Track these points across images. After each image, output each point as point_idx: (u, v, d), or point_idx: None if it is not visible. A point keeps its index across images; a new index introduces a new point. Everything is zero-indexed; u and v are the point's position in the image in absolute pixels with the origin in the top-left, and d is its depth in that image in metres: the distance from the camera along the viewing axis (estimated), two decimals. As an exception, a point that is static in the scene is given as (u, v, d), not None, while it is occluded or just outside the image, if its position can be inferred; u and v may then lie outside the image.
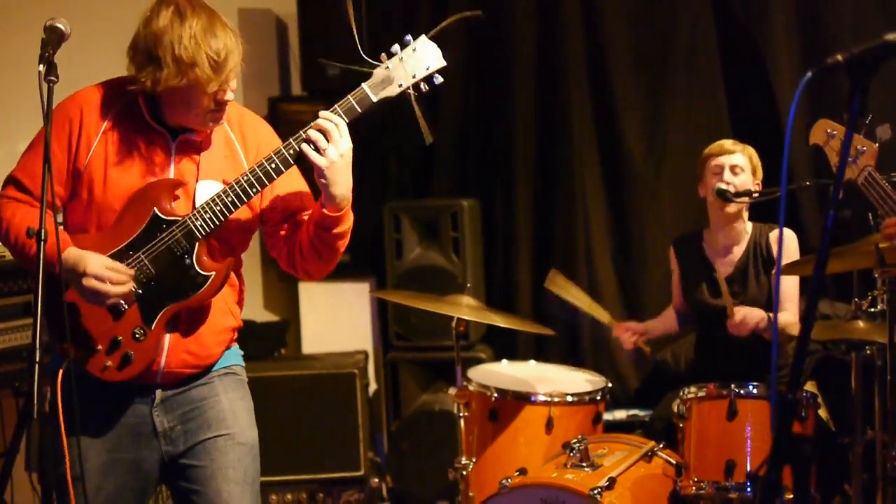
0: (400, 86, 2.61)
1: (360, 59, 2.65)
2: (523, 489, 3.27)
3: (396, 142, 5.25)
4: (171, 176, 2.61)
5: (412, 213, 4.99)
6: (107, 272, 2.50)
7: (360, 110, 2.60)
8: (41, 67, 2.44)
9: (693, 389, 3.47)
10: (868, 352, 3.56)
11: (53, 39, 2.52)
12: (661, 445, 3.57)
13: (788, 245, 3.90)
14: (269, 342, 5.06)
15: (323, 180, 2.56)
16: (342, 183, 2.57)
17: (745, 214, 3.96)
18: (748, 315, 3.71)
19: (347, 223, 2.65)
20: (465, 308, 3.72)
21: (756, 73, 4.78)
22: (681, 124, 4.94)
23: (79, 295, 2.53)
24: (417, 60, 2.62)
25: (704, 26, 4.88)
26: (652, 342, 4.27)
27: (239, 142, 2.71)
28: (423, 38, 2.64)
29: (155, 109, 2.60)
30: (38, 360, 2.28)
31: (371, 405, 5.01)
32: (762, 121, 4.75)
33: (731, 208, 3.88)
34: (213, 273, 2.59)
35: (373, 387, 5.16)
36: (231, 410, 2.72)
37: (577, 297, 4.18)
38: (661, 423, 3.94)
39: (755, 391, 3.37)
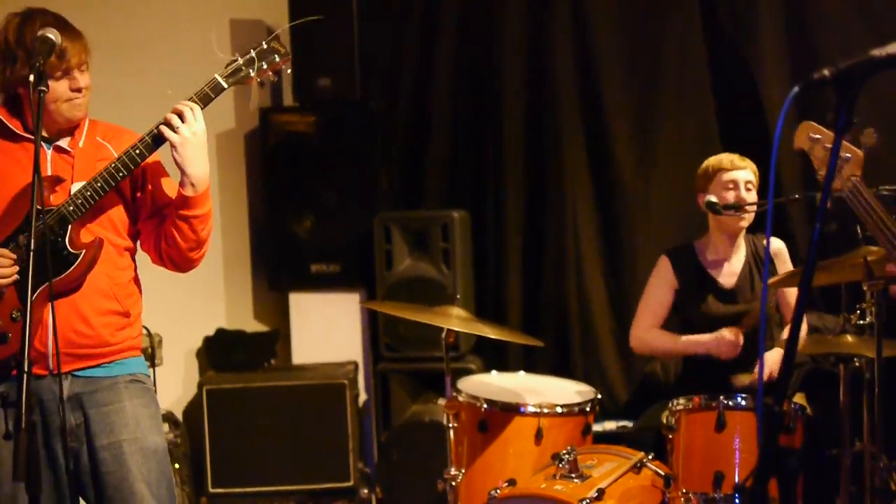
0: (249, 75, 2.92)
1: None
2: (512, 500, 3.26)
3: (387, 153, 5.26)
4: (49, 172, 2.83)
5: (403, 224, 5.00)
6: None
7: (213, 95, 2.88)
8: (31, 77, 2.49)
9: (682, 401, 3.48)
10: (856, 364, 3.57)
11: (44, 49, 2.56)
12: (651, 457, 3.57)
13: (784, 255, 3.92)
14: (259, 352, 5.06)
15: (178, 157, 2.81)
16: (196, 162, 2.82)
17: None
18: (773, 366, 3.74)
19: (205, 207, 2.88)
20: (455, 319, 3.72)
21: (745, 85, 4.81)
22: (670, 136, 4.96)
23: None
24: (266, 55, 2.94)
25: (694, 39, 4.91)
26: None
27: (112, 146, 2.92)
28: (272, 37, 2.98)
29: (21, 120, 2.85)
30: (26, 370, 2.30)
31: (361, 416, 5.01)
32: (751, 133, 4.77)
33: (744, 222, 3.88)
34: (83, 251, 2.79)
35: (363, 397, 5.16)
36: (134, 416, 2.86)
37: None
38: (647, 434, 3.95)
39: (743, 403, 3.38)
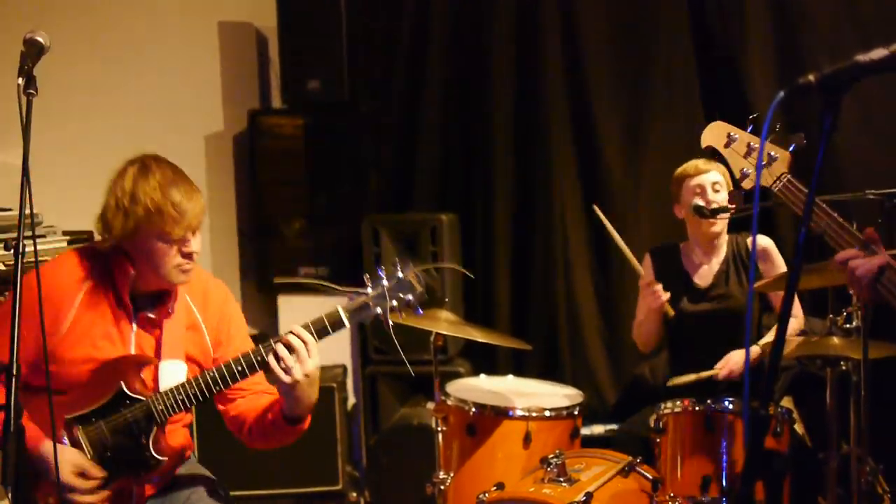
0: (376, 315, 2.67)
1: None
2: (500, 504, 3.27)
3: (376, 156, 5.27)
4: (132, 349, 2.70)
5: (391, 227, 5.00)
6: (77, 481, 2.58)
7: (331, 332, 2.67)
8: (20, 80, 2.45)
9: (670, 404, 3.49)
10: (843, 367, 3.59)
11: (33, 52, 2.53)
12: (639, 460, 3.58)
13: (774, 255, 3.94)
14: (247, 355, 5.05)
15: (286, 396, 2.64)
16: (305, 400, 2.66)
17: (725, 228, 4.00)
18: (732, 361, 3.74)
19: (307, 424, 2.77)
20: (444, 322, 3.73)
21: (733, 89, 4.83)
22: (659, 141, 4.98)
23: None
24: (399, 290, 2.67)
25: (683, 44, 4.93)
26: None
27: (200, 312, 2.81)
28: (409, 267, 2.69)
29: (115, 287, 2.70)
30: (15, 373, 2.28)
31: (349, 419, 5.01)
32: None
33: (717, 227, 3.91)
34: (166, 458, 2.69)
35: (351, 401, 5.16)
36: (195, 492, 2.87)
37: (612, 233, 4.18)
38: (630, 440, 3.96)
39: (731, 406, 3.39)
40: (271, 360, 2.59)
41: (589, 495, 3.20)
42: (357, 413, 5.18)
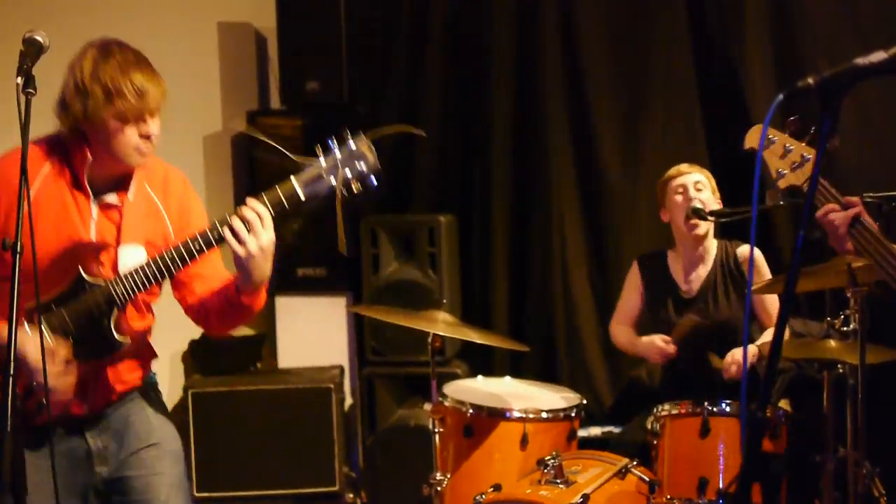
0: (331, 186, 2.60)
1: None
2: (497, 505, 3.27)
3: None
4: (93, 234, 2.70)
5: (389, 228, 5.00)
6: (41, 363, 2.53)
7: (286, 206, 2.61)
8: (19, 80, 2.46)
9: (667, 407, 3.49)
10: (840, 370, 3.59)
11: (32, 52, 2.53)
12: (635, 462, 3.58)
13: (759, 264, 3.94)
14: (244, 356, 5.06)
15: (241, 269, 2.62)
16: (259, 272, 2.63)
17: (712, 233, 4.00)
18: (736, 357, 3.73)
19: (260, 301, 2.74)
20: (441, 324, 3.72)
21: (731, 94, 4.83)
22: (657, 142, 4.98)
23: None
24: (352, 160, 2.60)
25: (680, 45, 4.93)
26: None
27: (160, 200, 2.80)
28: (361, 136, 2.63)
29: (73, 169, 2.70)
30: (12, 373, 2.29)
31: (346, 420, 5.01)
32: (737, 141, 4.76)
33: (702, 229, 3.92)
34: (128, 339, 2.70)
35: (348, 402, 5.16)
36: (157, 421, 2.86)
37: None
38: (632, 440, 3.96)
39: (728, 409, 3.40)
40: (227, 233, 2.59)
41: (586, 497, 3.20)
42: (354, 414, 5.18)
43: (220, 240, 2.62)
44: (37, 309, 2.47)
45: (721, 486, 3.30)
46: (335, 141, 2.61)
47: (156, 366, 4.65)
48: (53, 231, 2.68)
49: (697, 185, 3.92)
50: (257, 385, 4.85)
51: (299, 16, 5.05)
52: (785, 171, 2.56)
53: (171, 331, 4.98)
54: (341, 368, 5.05)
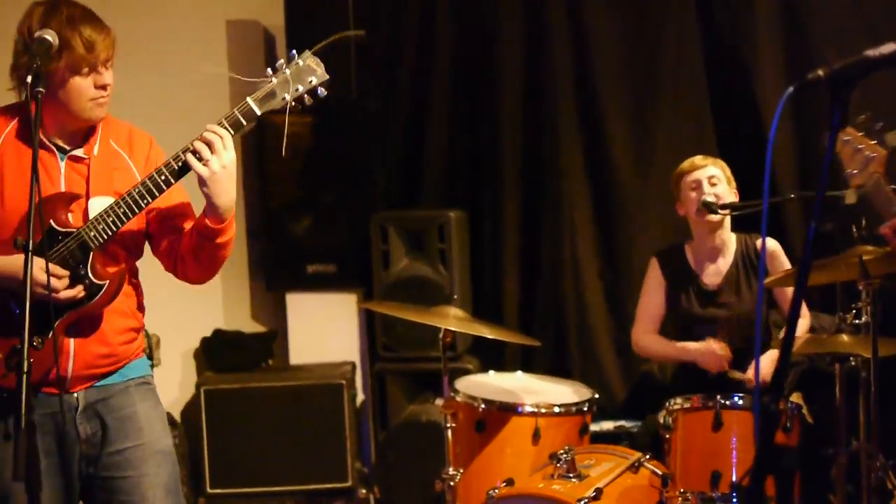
0: (283, 98, 2.71)
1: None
2: (510, 500, 3.27)
3: (383, 153, 5.27)
4: (62, 188, 2.70)
5: (399, 225, 5.00)
6: (44, 276, 2.56)
7: (244, 123, 2.70)
8: (30, 78, 2.47)
9: (679, 400, 3.49)
10: (852, 364, 3.58)
11: (41, 51, 2.55)
12: (648, 456, 3.58)
13: (781, 257, 3.93)
14: (256, 353, 5.07)
15: (205, 189, 2.65)
16: (224, 194, 2.67)
17: (728, 225, 3.99)
18: (764, 365, 3.63)
19: (229, 234, 2.75)
20: (453, 319, 3.73)
21: (741, 87, 4.82)
22: (667, 137, 4.97)
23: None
24: (301, 74, 2.73)
25: (690, 40, 4.92)
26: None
27: (126, 153, 2.81)
28: (306, 52, 2.75)
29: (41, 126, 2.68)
30: (25, 370, 2.30)
31: (358, 416, 5.02)
32: (747, 134, 4.78)
33: (716, 219, 3.91)
34: (107, 281, 2.68)
35: (360, 398, 5.16)
36: (147, 420, 2.83)
37: None
38: (647, 440, 3.97)
39: (741, 402, 3.39)
40: (189, 157, 2.64)
41: (599, 491, 3.20)
42: (366, 410, 5.19)
43: (184, 167, 2.66)
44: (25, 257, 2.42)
45: (734, 479, 3.29)
46: (284, 61, 2.72)
47: (168, 364, 4.71)
48: (20, 189, 2.65)
49: (712, 180, 3.91)
50: (269, 382, 4.86)
51: (307, 13, 5.06)
52: (854, 172, 2.57)
53: (184, 329, 5.06)
54: (353, 365, 5.06)
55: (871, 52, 1.86)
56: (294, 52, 2.74)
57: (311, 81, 2.74)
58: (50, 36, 2.58)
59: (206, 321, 5.16)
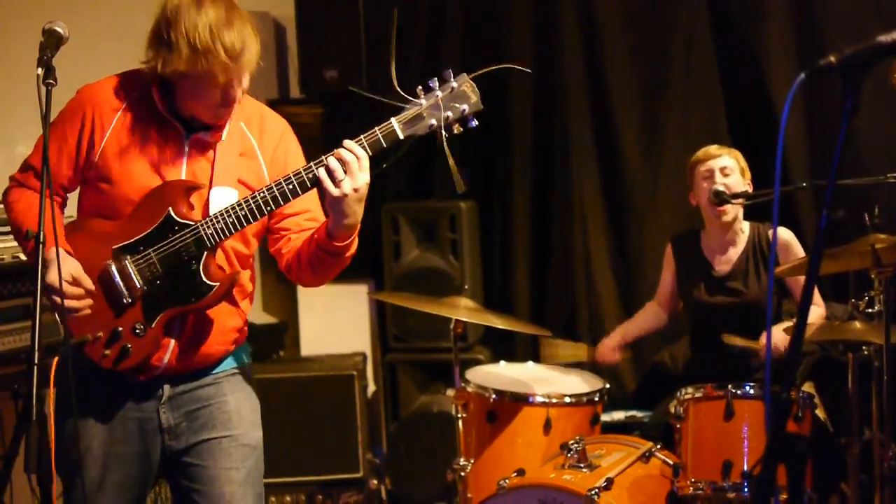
0: (430, 126, 2.53)
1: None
2: (521, 490, 3.27)
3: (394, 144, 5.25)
4: (184, 173, 2.60)
5: (410, 215, 5.00)
6: (66, 286, 2.47)
7: (384, 145, 2.54)
8: (40, 70, 2.45)
9: (690, 390, 3.48)
10: (865, 352, 3.57)
11: (52, 42, 2.53)
12: (659, 446, 3.58)
13: (793, 245, 3.92)
14: (267, 344, 5.07)
15: (333, 210, 2.53)
16: (352, 216, 2.53)
17: (741, 215, 3.98)
18: (777, 339, 3.62)
19: (351, 249, 2.62)
20: (464, 310, 3.73)
21: (752, 75, 4.80)
22: (678, 127, 4.95)
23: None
24: (454, 100, 2.53)
25: (701, 29, 4.90)
26: (633, 345, 4.34)
27: (256, 140, 2.70)
28: (463, 76, 2.54)
29: (169, 100, 2.59)
30: (36, 362, 2.30)
31: (369, 407, 5.02)
32: (758, 123, 4.77)
33: (728, 212, 3.90)
34: (217, 284, 2.58)
35: (371, 388, 5.17)
36: (237, 411, 2.73)
37: (565, 355, 4.25)
38: (657, 430, 3.96)
39: (752, 391, 3.38)
40: (322, 173, 2.49)
41: (610, 481, 3.20)
42: (377, 401, 5.20)
43: (315, 180, 2.51)
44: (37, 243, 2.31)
45: (745, 468, 3.29)
46: (437, 81, 2.53)
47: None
48: (139, 165, 2.58)
49: (724, 171, 3.90)
50: (280, 373, 4.87)
51: (318, 4, 5.05)
52: None
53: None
54: (364, 355, 5.07)
55: (883, 38, 1.85)
56: (450, 72, 2.54)
57: (463, 110, 2.53)
58: (60, 28, 2.56)
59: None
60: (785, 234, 3.96)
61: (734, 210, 3.91)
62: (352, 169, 2.50)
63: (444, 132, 2.52)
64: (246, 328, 2.82)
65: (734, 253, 3.98)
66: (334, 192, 2.49)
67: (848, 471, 3.56)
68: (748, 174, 3.97)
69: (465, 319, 3.71)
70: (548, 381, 3.91)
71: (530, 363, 4.22)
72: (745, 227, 4.01)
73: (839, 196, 4.23)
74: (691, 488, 3.34)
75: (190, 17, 2.46)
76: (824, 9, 4.69)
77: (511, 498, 3.28)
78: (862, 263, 3.36)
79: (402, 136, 2.52)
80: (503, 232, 5.21)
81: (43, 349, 2.32)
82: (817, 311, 3.93)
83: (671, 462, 3.47)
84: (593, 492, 3.13)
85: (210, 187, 2.60)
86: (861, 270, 3.54)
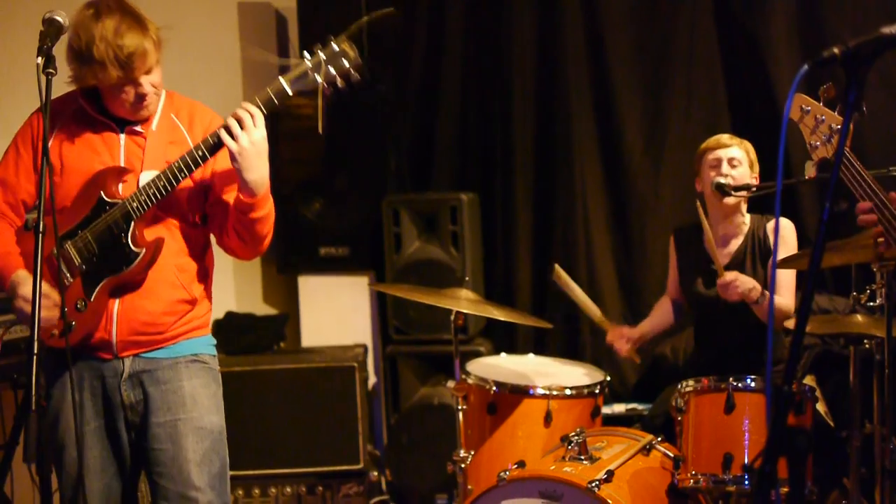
0: (316, 80, 2.78)
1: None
2: (522, 482, 3.27)
3: (395, 136, 5.26)
4: (122, 162, 2.85)
5: (411, 207, 4.99)
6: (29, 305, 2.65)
7: (276, 102, 2.79)
8: (39, 60, 2.50)
9: (691, 383, 3.48)
10: (866, 346, 3.56)
11: (52, 32, 2.56)
12: (660, 439, 3.58)
13: (787, 236, 3.90)
14: (268, 336, 5.06)
15: (236, 164, 2.77)
16: (254, 169, 2.77)
17: (744, 207, 3.97)
18: (741, 277, 3.70)
19: (263, 209, 2.86)
20: (464, 301, 3.72)
21: (755, 67, 4.79)
22: (680, 119, 4.94)
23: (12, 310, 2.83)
24: (335, 58, 2.78)
25: (704, 21, 4.88)
26: (645, 347, 4.31)
27: (185, 128, 2.93)
28: (341, 36, 2.82)
29: (99, 104, 2.87)
30: (36, 352, 2.31)
31: (370, 398, 5.02)
32: (761, 115, 4.75)
33: (730, 201, 3.89)
34: (143, 249, 2.81)
35: (372, 380, 5.17)
36: (191, 396, 2.92)
37: (576, 292, 4.20)
38: (659, 420, 3.95)
39: (753, 384, 3.38)
40: (222, 132, 2.75)
41: (610, 473, 3.20)
42: (378, 392, 5.20)
43: (219, 142, 2.77)
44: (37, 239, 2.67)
45: (746, 461, 3.28)
46: (320, 44, 2.79)
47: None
48: (79, 163, 2.84)
49: (732, 162, 3.88)
50: (281, 364, 4.87)
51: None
52: (817, 144, 2.51)
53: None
54: (364, 347, 5.06)
55: (886, 30, 1.84)
56: (330, 37, 2.80)
57: (344, 65, 2.78)
58: (60, 17, 2.60)
59: (218, 304, 5.10)
60: (787, 225, 3.94)
61: (736, 200, 3.90)
62: (246, 124, 2.75)
63: (326, 85, 2.78)
64: (206, 315, 3.04)
65: (735, 244, 3.97)
66: (233, 146, 2.75)
67: (849, 465, 3.56)
68: (756, 167, 3.95)
69: (465, 311, 3.70)
70: (548, 373, 3.91)
71: (531, 355, 4.22)
72: (748, 219, 4.00)
73: (842, 189, 4.21)
74: (691, 481, 3.33)
75: (88, 31, 2.73)
76: (828, 0, 4.67)
77: (511, 490, 3.27)
78: (864, 257, 3.35)
79: (290, 92, 2.79)
80: (504, 224, 5.20)
81: (41, 340, 2.35)
82: (780, 301, 3.88)
83: (672, 454, 3.46)
84: (594, 484, 3.13)
85: (141, 171, 2.85)
86: (863, 264, 3.53)
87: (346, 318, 5.17)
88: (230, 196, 2.91)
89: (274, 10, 5.40)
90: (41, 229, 2.42)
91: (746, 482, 3.26)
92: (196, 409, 2.91)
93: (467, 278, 4.59)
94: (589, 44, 5.03)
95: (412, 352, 5.04)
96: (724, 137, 3.95)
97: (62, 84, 2.71)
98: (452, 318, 3.72)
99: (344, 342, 5.08)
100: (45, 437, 2.34)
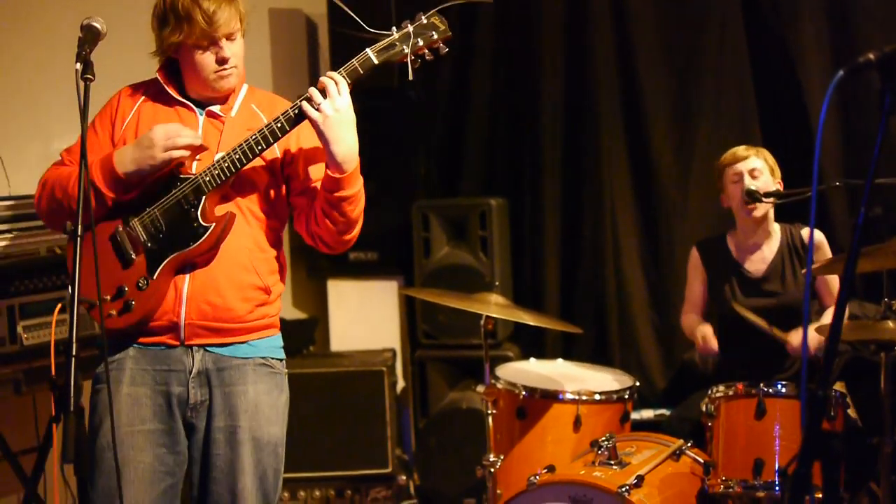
0: (403, 51, 2.73)
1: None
2: (551, 486, 3.28)
3: (425, 141, 5.27)
4: (200, 140, 2.75)
5: (441, 212, 5.01)
6: (171, 128, 2.69)
7: (361, 71, 2.72)
8: (78, 66, 2.50)
9: (722, 388, 3.48)
10: (897, 352, 3.54)
11: (90, 38, 2.58)
12: (689, 444, 3.57)
13: (824, 244, 3.90)
14: (297, 339, 5.09)
15: (321, 137, 2.67)
16: (341, 141, 2.67)
17: (772, 215, 3.96)
18: (807, 334, 3.62)
19: (353, 187, 2.73)
20: (494, 306, 3.73)
21: (785, 73, 4.77)
22: (709, 125, 4.93)
23: (149, 167, 2.69)
24: (423, 30, 2.74)
25: (733, 27, 4.87)
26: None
27: (266, 116, 2.82)
28: (432, 12, 2.78)
29: (179, 86, 2.80)
30: (74, 353, 2.33)
31: (399, 403, 5.04)
32: (791, 121, 4.74)
33: (759, 211, 3.88)
34: (213, 224, 2.70)
35: (401, 384, 5.18)
36: (254, 403, 2.79)
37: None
38: (682, 423, 3.95)
39: (784, 390, 3.38)
40: (303, 104, 2.67)
41: (640, 478, 3.20)
42: (406, 397, 5.21)
43: (300, 114, 2.68)
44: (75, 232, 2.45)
45: (777, 467, 3.28)
46: (411, 19, 2.77)
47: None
48: None
49: (753, 173, 3.87)
50: (310, 368, 4.89)
51: (349, 1, 5.05)
52: None
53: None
54: (393, 351, 5.08)
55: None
56: (420, 11, 2.78)
57: (432, 36, 2.74)
58: (98, 24, 2.60)
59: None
60: (817, 235, 3.94)
61: (764, 207, 3.89)
62: (330, 92, 2.66)
63: (413, 57, 2.74)
64: (278, 315, 2.90)
65: (769, 252, 3.96)
66: (315, 115, 2.65)
67: (879, 471, 3.54)
68: (778, 173, 3.95)
69: (495, 316, 3.71)
70: (577, 378, 3.91)
71: (560, 360, 4.22)
72: (776, 228, 3.99)
73: (873, 195, 4.20)
74: (722, 486, 3.33)
75: None
76: (859, 5, 4.65)
77: (541, 494, 3.28)
78: (895, 263, 3.34)
79: (376, 62, 2.72)
80: (533, 228, 5.21)
81: (80, 341, 2.37)
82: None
83: (702, 460, 3.46)
84: (624, 489, 3.13)
85: (216, 152, 2.75)
86: (894, 270, 3.51)
87: (375, 323, 5.19)
88: (317, 182, 2.78)
89: (304, 16, 5.43)
90: (79, 233, 2.37)
91: (777, 488, 3.25)
92: (256, 418, 2.78)
93: (496, 283, 4.60)
94: (618, 49, 5.04)
95: (441, 356, 5.04)
96: (740, 150, 3.95)
97: (100, 89, 2.69)
98: (482, 322, 3.73)
99: (373, 346, 5.09)
100: (82, 438, 2.31)
